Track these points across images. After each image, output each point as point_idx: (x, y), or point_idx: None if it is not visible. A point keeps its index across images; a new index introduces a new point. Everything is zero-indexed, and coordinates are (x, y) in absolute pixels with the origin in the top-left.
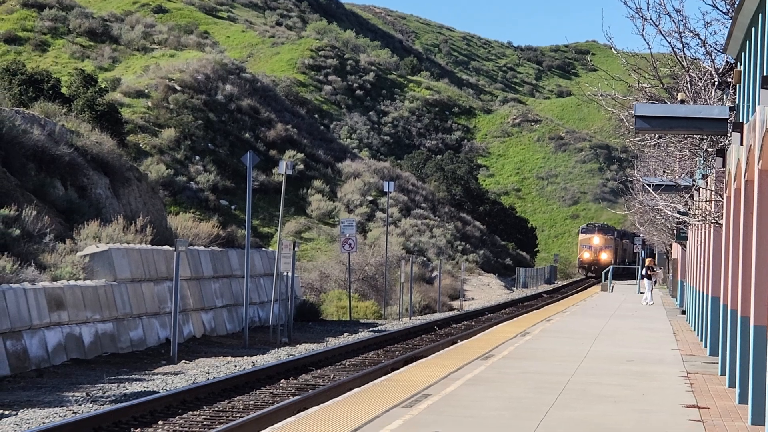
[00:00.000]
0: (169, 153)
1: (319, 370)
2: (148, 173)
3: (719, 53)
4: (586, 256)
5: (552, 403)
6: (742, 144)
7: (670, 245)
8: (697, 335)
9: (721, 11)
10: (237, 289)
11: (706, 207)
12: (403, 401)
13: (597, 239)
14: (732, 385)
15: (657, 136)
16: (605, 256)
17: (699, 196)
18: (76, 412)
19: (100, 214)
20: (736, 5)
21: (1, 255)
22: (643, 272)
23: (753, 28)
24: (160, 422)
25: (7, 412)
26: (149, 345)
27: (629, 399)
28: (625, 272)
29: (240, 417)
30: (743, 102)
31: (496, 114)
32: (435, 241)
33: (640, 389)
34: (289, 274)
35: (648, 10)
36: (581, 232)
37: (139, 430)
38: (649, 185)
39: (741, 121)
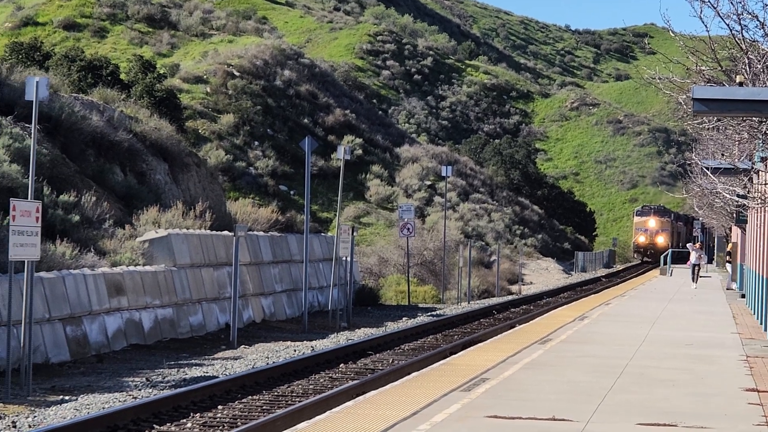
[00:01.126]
0: (228, 138)
1: (377, 355)
2: (207, 159)
3: None
4: (642, 239)
5: (610, 386)
6: None
7: (730, 229)
8: (757, 319)
9: None
10: (296, 274)
11: (765, 190)
12: (461, 385)
13: (653, 222)
14: None
15: (715, 119)
16: (661, 240)
17: (758, 178)
18: (135, 397)
19: (159, 199)
20: None
21: (60, 241)
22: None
23: None
24: (219, 407)
25: (67, 398)
26: (209, 330)
27: (688, 382)
28: (681, 256)
29: (299, 401)
30: None
31: (554, 98)
32: (493, 225)
33: (699, 373)
34: (348, 259)
35: None
36: (636, 215)
37: (198, 415)
38: (707, 168)
39: None
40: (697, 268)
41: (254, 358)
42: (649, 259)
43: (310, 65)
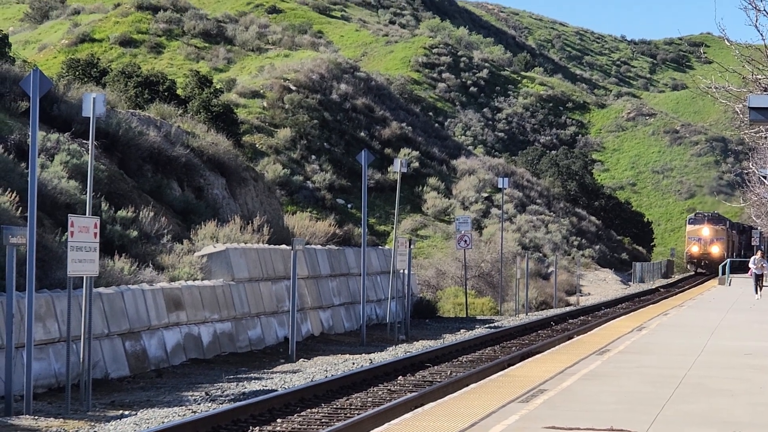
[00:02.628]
0: (285, 153)
1: (435, 367)
2: (264, 173)
3: None
4: (695, 249)
5: (668, 397)
6: None
7: None
8: None
9: None
10: (354, 287)
11: None
12: (519, 396)
13: (706, 230)
14: None
15: None
16: (716, 250)
17: None
18: (195, 412)
19: (216, 214)
20: None
21: (119, 256)
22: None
23: None
24: (278, 420)
25: (126, 412)
26: (267, 344)
27: (747, 392)
28: (740, 266)
29: (357, 414)
30: None
31: (611, 108)
32: (550, 236)
33: (758, 382)
34: (405, 271)
35: (761, 0)
36: (688, 223)
37: (257, 428)
38: (765, 177)
39: None
40: (760, 278)
41: (313, 371)
42: (704, 270)
43: (366, 79)
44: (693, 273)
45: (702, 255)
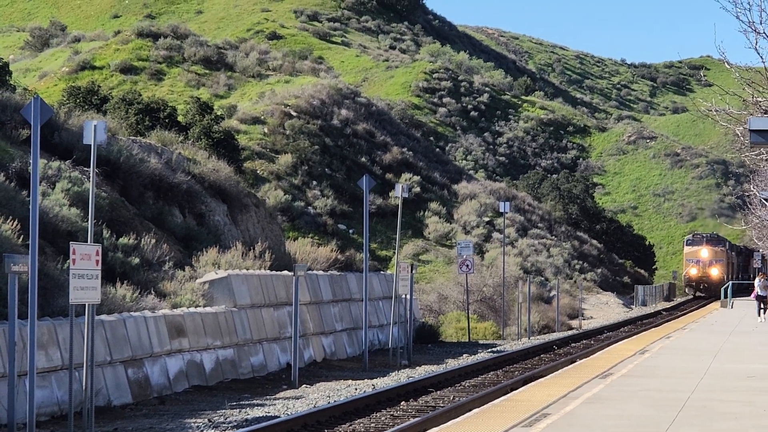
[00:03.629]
0: (286, 179)
1: (438, 392)
2: (265, 199)
3: None
4: (693, 272)
5: (672, 420)
6: None
7: None
8: None
9: None
10: (356, 312)
11: None
12: (522, 421)
13: (705, 252)
14: None
15: None
16: (716, 272)
17: None
18: None
19: (218, 240)
20: None
21: (121, 284)
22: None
23: None
24: None
25: None
26: (270, 370)
27: (751, 415)
28: (740, 288)
29: None
30: None
31: (611, 132)
32: (552, 260)
33: (762, 405)
34: (408, 296)
35: (761, 23)
36: (686, 245)
37: None
38: (766, 200)
39: None
40: (764, 299)
41: (315, 397)
42: (703, 293)
43: (366, 104)
44: (692, 297)
45: (701, 278)
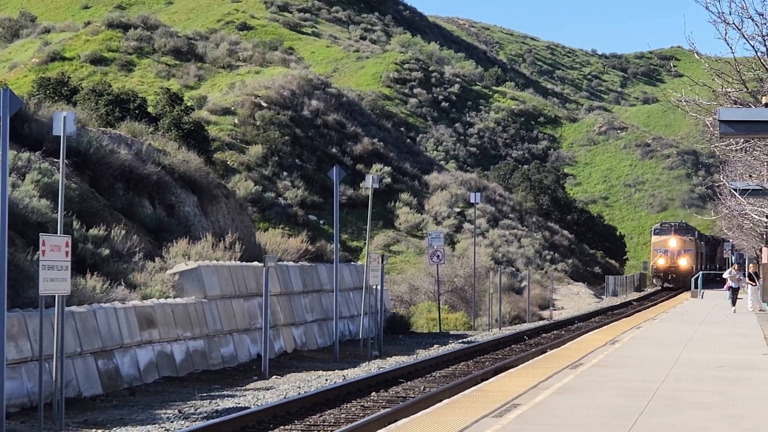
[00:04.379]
0: (256, 169)
1: (409, 382)
2: (236, 190)
3: None
4: (661, 262)
5: (642, 410)
6: None
7: (760, 250)
8: None
9: None
10: (327, 303)
11: None
12: (493, 411)
13: (674, 241)
14: None
15: (742, 140)
16: (684, 262)
17: None
18: (168, 430)
19: (188, 231)
20: None
21: (91, 275)
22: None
23: None
24: None
25: (100, 431)
26: (240, 361)
27: (720, 405)
28: (709, 279)
29: (331, 430)
30: None
31: (582, 122)
32: (523, 251)
33: (731, 395)
34: (378, 287)
35: (730, 14)
36: (654, 234)
37: None
38: (735, 190)
39: None
40: (736, 292)
41: (286, 388)
42: (671, 284)
43: (337, 95)
44: (660, 287)
45: (669, 268)
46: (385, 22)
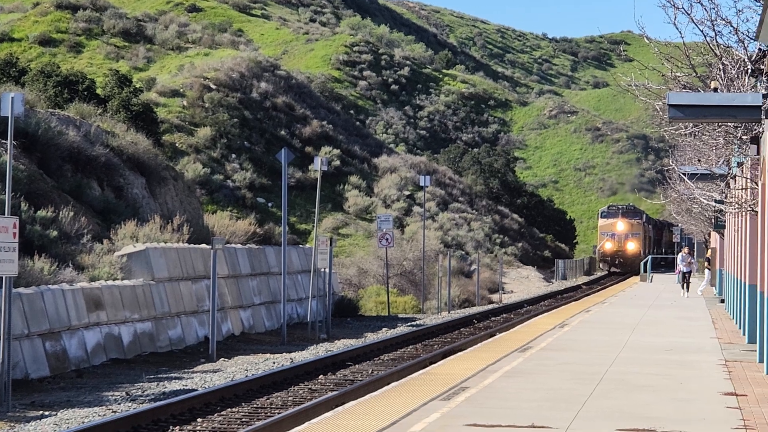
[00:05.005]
0: (205, 152)
1: (357, 366)
2: (184, 172)
3: (752, 41)
4: (608, 246)
5: (590, 393)
6: None
7: (708, 234)
8: (736, 323)
9: None
10: (275, 286)
11: (741, 195)
12: (441, 394)
13: (621, 225)
14: None
15: (692, 125)
16: (632, 246)
17: (735, 184)
18: (115, 411)
19: (136, 213)
20: None
21: (39, 257)
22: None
23: None
24: (198, 420)
25: (47, 413)
26: (188, 344)
27: (667, 388)
28: (658, 263)
29: (278, 413)
30: None
31: (532, 106)
32: (473, 234)
33: (679, 378)
34: (327, 270)
35: None
36: (601, 217)
37: (178, 428)
38: (685, 174)
39: None
40: (687, 275)
41: (233, 370)
42: (618, 269)
43: (286, 77)
44: (606, 272)
45: (616, 252)
46: (334, 4)
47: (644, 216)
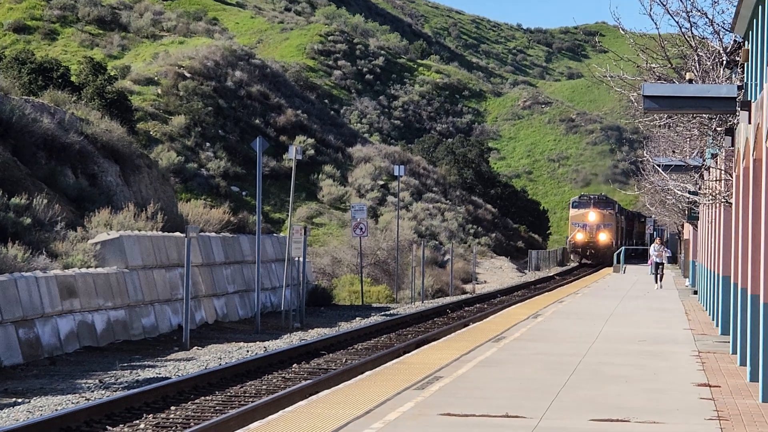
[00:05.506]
0: (179, 140)
1: (331, 355)
2: (158, 160)
3: (727, 32)
4: (580, 237)
5: (563, 383)
6: (750, 122)
7: (682, 225)
8: (709, 314)
9: None
10: (249, 275)
11: (715, 186)
12: (415, 384)
13: (593, 215)
14: (743, 363)
15: (666, 116)
16: (604, 237)
17: (709, 175)
18: (88, 399)
19: (110, 201)
20: None
21: (12, 244)
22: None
23: (759, 7)
24: (172, 408)
25: (20, 400)
26: (161, 332)
27: (641, 378)
28: (633, 254)
29: (251, 401)
30: (751, 80)
31: (507, 97)
32: (447, 224)
33: (652, 369)
34: (301, 259)
35: None
36: (572, 207)
37: (151, 416)
38: (659, 165)
39: (749, 99)
40: (661, 267)
41: (207, 359)
42: (589, 260)
43: (261, 66)
44: (577, 264)
45: (588, 243)
46: None
47: (617, 206)
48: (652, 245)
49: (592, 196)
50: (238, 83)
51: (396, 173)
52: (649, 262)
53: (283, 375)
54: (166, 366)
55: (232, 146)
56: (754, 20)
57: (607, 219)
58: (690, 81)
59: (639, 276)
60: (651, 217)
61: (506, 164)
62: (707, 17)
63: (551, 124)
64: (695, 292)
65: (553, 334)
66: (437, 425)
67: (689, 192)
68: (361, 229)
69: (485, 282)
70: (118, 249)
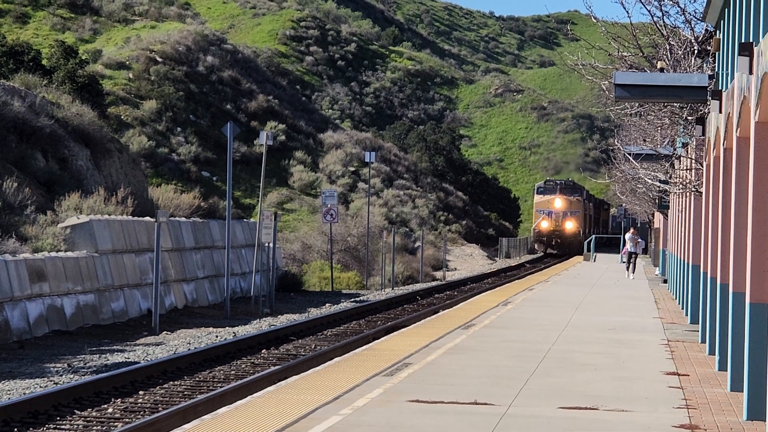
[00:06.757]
0: (150, 125)
1: (300, 340)
2: (129, 145)
3: (698, 21)
4: (545, 225)
5: (533, 371)
6: (721, 112)
7: (653, 214)
8: (679, 303)
9: None
10: (218, 260)
11: (686, 175)
12: (384, 370)
13: (559, 202)
14: (712, 352)
15: (637, 104)
16: (571, 226)
17: (679, 164)
18: (57, 383)
19: (81, 185)
20: None
21: None
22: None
23: None
24: (140, 392)
25: None
26: (131, 316)
27: (610, 366)
28: (601, 243)
29: (220, 386)
30: (722, 70)
31: (478, 84)
32: (417, 211)
33: (621, 357)
34: (271, 245)
35: None
36: (537, 193)
37: (119, 400)
38: (630, 154)
39: (720, 89)
40: (634, 256)
41: (176, 344)
42: (555, 250)
43: (233, 51)
44: (542, 254)
45: (553, 232)
46: None
47: (584, 192)
48: (627, 234)
49: (558, 182)
50: (210, 68)
51: (367, 160)
52: (623, 251)
53: (252, 360)
54: (135, 350)
55: (203, 131)
56: (726, 10)
57: (574, 206)
58: (661, 70)
59: (609, 264)
60: (621, 205)
61: (477, 152)
62: (679, 6)
63: (523, 112)
64: (665, 281)
65: (523, 322)
66: (406, 411)
67: (660, 181)
68: (332, 215)
69: (455, 269)
70: (88, 233)
